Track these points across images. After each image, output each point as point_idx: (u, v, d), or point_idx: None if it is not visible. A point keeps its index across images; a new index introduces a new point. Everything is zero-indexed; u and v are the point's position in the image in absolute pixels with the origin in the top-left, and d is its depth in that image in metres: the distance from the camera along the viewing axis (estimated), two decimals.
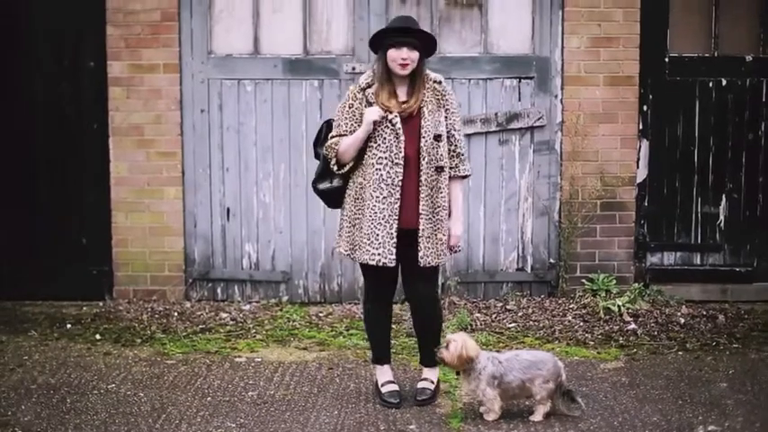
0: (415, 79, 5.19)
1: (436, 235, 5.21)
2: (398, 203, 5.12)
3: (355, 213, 5.22)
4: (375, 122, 5.11)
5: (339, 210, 5.39)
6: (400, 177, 5.11)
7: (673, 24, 7.27)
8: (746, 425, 5.02)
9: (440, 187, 5.20)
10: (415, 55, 5.12)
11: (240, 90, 7.27)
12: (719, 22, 7.26)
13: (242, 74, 7.25)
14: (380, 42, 5.19)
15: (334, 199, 5.36)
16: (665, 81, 7.29)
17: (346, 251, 5.29)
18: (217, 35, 7.28)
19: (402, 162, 5.11)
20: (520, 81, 7.25)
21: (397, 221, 5.13)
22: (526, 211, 7.33)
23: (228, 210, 7.35)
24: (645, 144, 7.33)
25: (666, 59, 7.28)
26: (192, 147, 7.30)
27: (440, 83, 5.26)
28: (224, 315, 7.01)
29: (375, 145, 5.13)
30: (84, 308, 7.21)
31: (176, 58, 7.21)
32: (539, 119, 7.23)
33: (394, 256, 5.15)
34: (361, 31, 7.16)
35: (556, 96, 7.23)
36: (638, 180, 7.33)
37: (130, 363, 6.10)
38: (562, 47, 7.19)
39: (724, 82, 7.31)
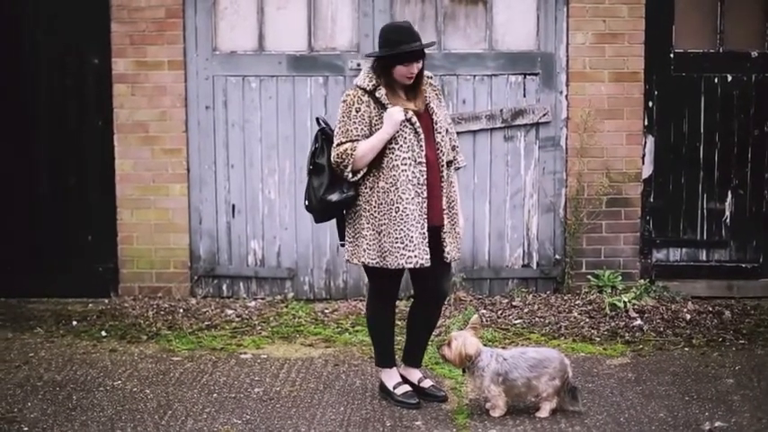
0: (418, 81, 5.09)
1: (454, 229, 5.19)
2: (426, 202, 5.02)
3: (380, 220, 5.03)
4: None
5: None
6: (425, 176, 5.01)
7: (678, 20, 7.26)
8: (753, 420, 5.01)
9: (451, 181, 5.19)
10: (420, 63, 5.02)
11: (245, 87, 7.26)
12: (724, 17, 7.25)
13: (246, 70, 7.25)
14: (388, 61, 4.99)
15: (341, 210, 5.16)
16: (670, 77, 7.27)
17: (374, 260, 5.06)
18: (221, 32, 7.27)
19: (425, 160, 5.02)
20: (525, 77, 7.23)
21: (426, 220, 5.03)
22: (532, 208, 7.32)
23: (234, 206, 7.35)
24: (650, 140, 7.32)
25: (672, 55, 7.27)
26: (197, 143, 7.30)
27: (431, 77, 5.23)
28: (229, 312, 7.01)
29: (397, 146, 4.98)
30: (90, 305, 7.21)
31: (181, 54, 7.21)
32: (544, 115, 7.22)
33: (429, 255, 5.03)
34: (365, 27, 7.15)
35: (561, 92, 7.22)
36: (644, 176, 7.31)
37: (136, 359, 6.11)
38: (567, 43, 7.18)
39: (729, 78, 7.29)
